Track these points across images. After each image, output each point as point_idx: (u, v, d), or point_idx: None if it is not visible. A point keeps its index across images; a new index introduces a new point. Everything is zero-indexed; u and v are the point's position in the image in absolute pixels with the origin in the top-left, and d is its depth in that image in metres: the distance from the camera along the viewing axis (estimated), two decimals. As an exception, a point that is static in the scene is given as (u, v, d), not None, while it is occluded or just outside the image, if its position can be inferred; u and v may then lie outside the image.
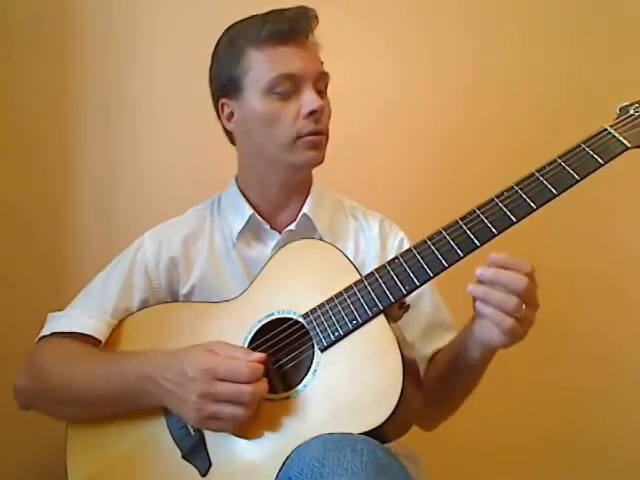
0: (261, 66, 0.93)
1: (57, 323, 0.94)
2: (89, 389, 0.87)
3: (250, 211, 1.00)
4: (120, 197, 1.44)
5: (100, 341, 0.93)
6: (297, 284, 0.88)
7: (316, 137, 0.94)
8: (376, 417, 0.73)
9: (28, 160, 1.39)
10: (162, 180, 1.45)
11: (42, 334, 0.95)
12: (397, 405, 0.73)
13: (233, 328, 0.87)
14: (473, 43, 1.53)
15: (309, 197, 1.02)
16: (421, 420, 0.99)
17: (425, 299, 1.00)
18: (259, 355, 0.79)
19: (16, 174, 1.38)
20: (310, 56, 0.95)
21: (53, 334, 0.93)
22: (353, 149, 1.45)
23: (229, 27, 1.00)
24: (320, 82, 0.96)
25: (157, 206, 1.38)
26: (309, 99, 0.93)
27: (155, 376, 0.81)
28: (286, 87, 0.93)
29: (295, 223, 1.00)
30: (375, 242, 1.04)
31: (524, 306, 0.74)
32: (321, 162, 0.97)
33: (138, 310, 0.97)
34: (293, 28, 0.93)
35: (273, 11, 0.95)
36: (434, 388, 0.92)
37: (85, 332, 0.92)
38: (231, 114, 0.99)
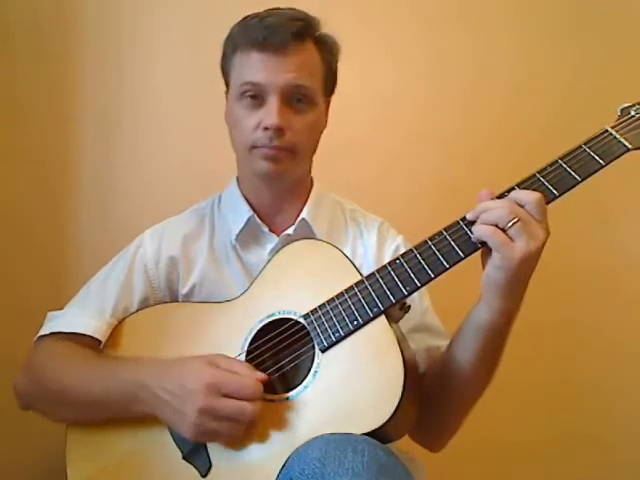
0: (236, 69, 0.95)
1: (56, 323, 0.94)
2: (82, 392, 0.86)
3: (249, 213, 1.00)
4: (120, 197, 1.44)
5: (100, 341, 0.92)
6: (298, 284, 0.88)
7: (269, 150, 0.93)
8: (377, 418, 0.73)
9: (28, 160, 1.39)
10: (162, 180, 1.45)
11: (41, 333, 0.94)
12: (398, 406, 0.73)
13: (233, 328, 0.87)
14: (473, 43, 1.53)
15: (308, 202, 1.02)
16: (427, 435, 0.95)
17: (414, 302, 0.97)
18: (262, 375, 0.79)
19: (17, 174, 1.38)
20: (281, 67, 0.91)
21: (52, 334, 0.93)
22: (354, 150, 1.46)
23: (241, 20, 0.99)
24: (293, 94, 0.93)
25: (157, 206, 1.38)
26: (267, 113, 0.91)
27: (151, 384, 0.80)
28: (252, 95, 0.93)
29: (293, 228, 0.99)
30: (372, 247, 1.03)
31: (516, 219, 0.73)
32: (280, 175, 0.95)
33: (138, 310, 0.96)
34: (266, 38, 0.90)
35: (258, 15, 0.94)
36: (437, 388, 0.89)
37: (85, 333, 0.92)
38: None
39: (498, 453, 1.46)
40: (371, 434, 0.72)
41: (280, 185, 1.00)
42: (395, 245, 1.04)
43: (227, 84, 1.00)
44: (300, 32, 0.92)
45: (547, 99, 1.52)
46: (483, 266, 0.78)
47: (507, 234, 0.73)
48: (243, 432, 0.76)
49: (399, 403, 0.73)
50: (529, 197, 0.75)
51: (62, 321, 0.94)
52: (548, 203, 0.77)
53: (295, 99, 0.93)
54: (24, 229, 1.38)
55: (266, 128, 0.91)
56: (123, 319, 0.95)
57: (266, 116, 0.91)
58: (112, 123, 1.44)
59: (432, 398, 0.87)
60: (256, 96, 0.93)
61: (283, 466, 0.73)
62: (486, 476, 1.47)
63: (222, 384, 0.76)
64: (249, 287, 0.92)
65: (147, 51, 1.47)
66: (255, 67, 0.92)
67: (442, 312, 1.04)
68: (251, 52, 0.92)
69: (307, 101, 0.95)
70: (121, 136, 1.45)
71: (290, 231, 0.99)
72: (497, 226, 0.74)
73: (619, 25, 1.54)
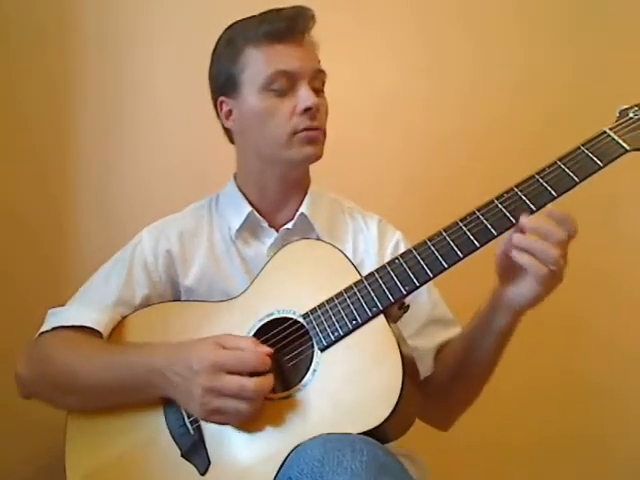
0: (258, 63, 0.94)
1: (57, 318, 0.94)
2: (94, 377, 0.87)
3: (249, 208, 1.01)
4: (120, 197, 1.44)
5: (101, 334, 0.92)
6: (297, 284, 0.88)
7: (312, 132, 0.95)
8: (376, 417, 0.73)
9: (29, 160, 1.39)
10: (162, 180, 1.45)
11: (42, 330, 0.95)
12: (397, 405, 0.73)
13: (234, 327, 0.87)
14: (473, 43, 1.53)
15: (306, 196, 1.03)
16: (437, 418, 0.99)
17: (423, 297, 1.00)
18: (267, 349, 0.80)
19: (17, 174, 1.38)
20: (306, 54, 0.97)
21: (53, 329, 0.93)
22: (354, 150, 1.46)
23: (228, 27, 1.02)
24: (316, 80, 0.97)
25: (157, 206, 1.36)
26: (304, 96, 0.94)
27: (163, 369, 0.82)
28: (282, 84, 0.94)
29: (292, 222, 1.00)
30: (374, 243, 1.04)
31: (563, 261, 0.74)
32: (319, 158, 0.98)
33: (139, 308, 0.97)
34: (290, 27, 0.95)
35: (271, 10, 0.97)
36: (449, 378, 0.92)
37: (86, 325, 0.92)
38: (229, 112, 1.00)
39: (499, 450, 1.46)
40: (370, 433, 0.73)
41: (301, 173, 1.03)
42: (395, 240, 1.05)
43: (232, 87, 0.97)
44: (312, 21, 0.97)
45: (547, 99, 1.52)
46: (501, 283, 0.81)
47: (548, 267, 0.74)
48: (250, 409, 0.77)
49: (397, 402, 0.73)
50: (561, 236, 0.74)
51: (63, 316, 0.94)
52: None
53: (317, 85, 0.97)
54: (24, 229, 1.38)
55: (306, 110, 0.93)
56: (124, 318, 0.96)
57: (303, 99, 0.94)
58: (112, 123, 1.44)
59: (442, 385, 0.91)
60: (285, 85, 0.94)
61: (282, 465, 0.73)
62: (487, 473, 1.47)
63: (225, 362, 0.78)
64: (249, 286, 0.92)
65: (147, 51, 1.47)
66: (286, 56, 0.94)
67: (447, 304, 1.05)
68: (275, 44, 0.94)
69: (323, 87, 0.99)
70: (121, 136, 1.45)
71: (289, 225, 1.00)
72: (537, 256, 0.74)
73: (619, 25, 1.54)
